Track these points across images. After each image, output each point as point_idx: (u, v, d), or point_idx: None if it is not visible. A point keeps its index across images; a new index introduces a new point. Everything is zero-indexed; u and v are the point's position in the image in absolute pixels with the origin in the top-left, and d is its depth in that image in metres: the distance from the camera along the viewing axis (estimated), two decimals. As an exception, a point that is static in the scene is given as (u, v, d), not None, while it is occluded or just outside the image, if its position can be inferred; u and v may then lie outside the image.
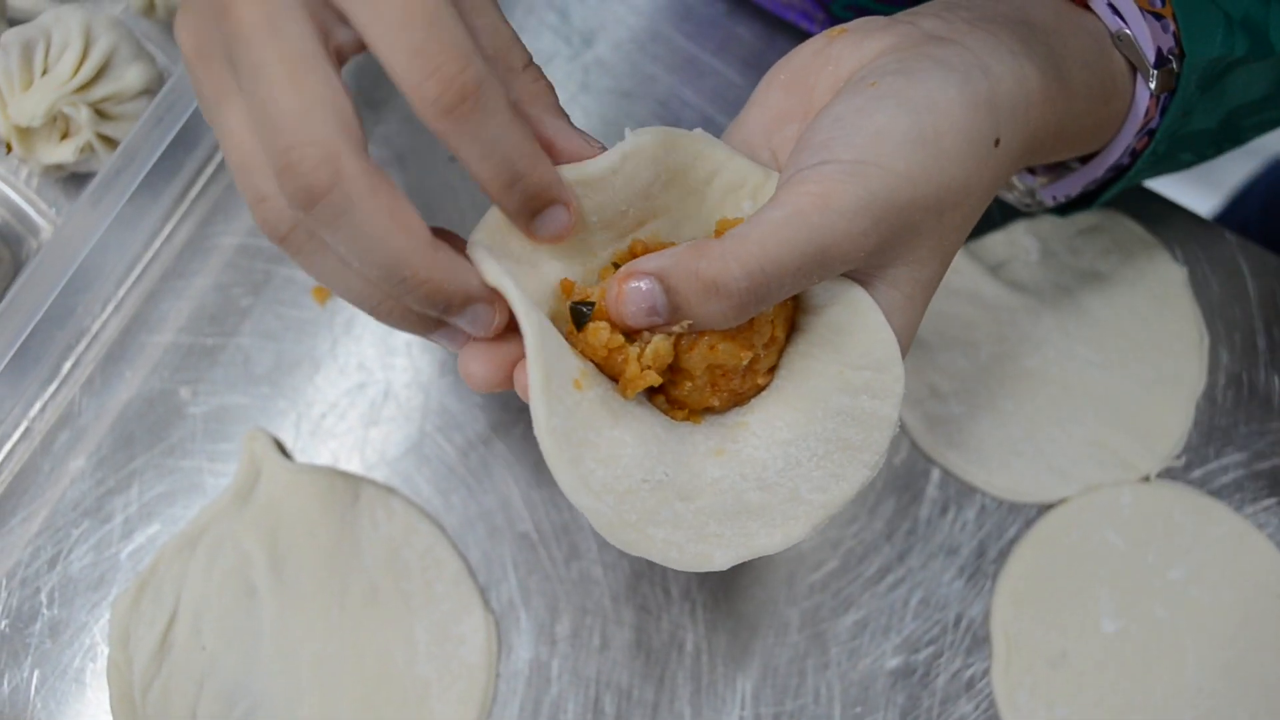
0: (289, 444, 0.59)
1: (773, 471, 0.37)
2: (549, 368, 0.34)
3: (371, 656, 0.56)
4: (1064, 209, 0.52)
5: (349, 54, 0.33)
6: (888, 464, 0.60)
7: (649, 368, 0.36)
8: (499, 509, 0.58)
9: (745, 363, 0.37)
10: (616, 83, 0.65)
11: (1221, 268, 0.63)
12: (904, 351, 0.38)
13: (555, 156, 0.37)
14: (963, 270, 0.62)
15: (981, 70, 0.38)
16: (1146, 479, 0.60)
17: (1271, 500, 0.60)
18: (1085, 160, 0.48)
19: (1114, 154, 0.46)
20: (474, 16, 0.36)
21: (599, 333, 0.36)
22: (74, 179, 0.62)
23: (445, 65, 0.31)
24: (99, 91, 0.58)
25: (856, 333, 0.37)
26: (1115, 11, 0.44)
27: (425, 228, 0.33)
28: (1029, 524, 0.59)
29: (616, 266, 0.38)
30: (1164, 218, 0.64)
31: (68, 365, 0.60)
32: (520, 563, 0.58)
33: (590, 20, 0.66)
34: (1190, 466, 0.60)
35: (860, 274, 0.37)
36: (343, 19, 0.32)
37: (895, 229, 0.36)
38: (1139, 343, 0.62)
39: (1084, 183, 0.49)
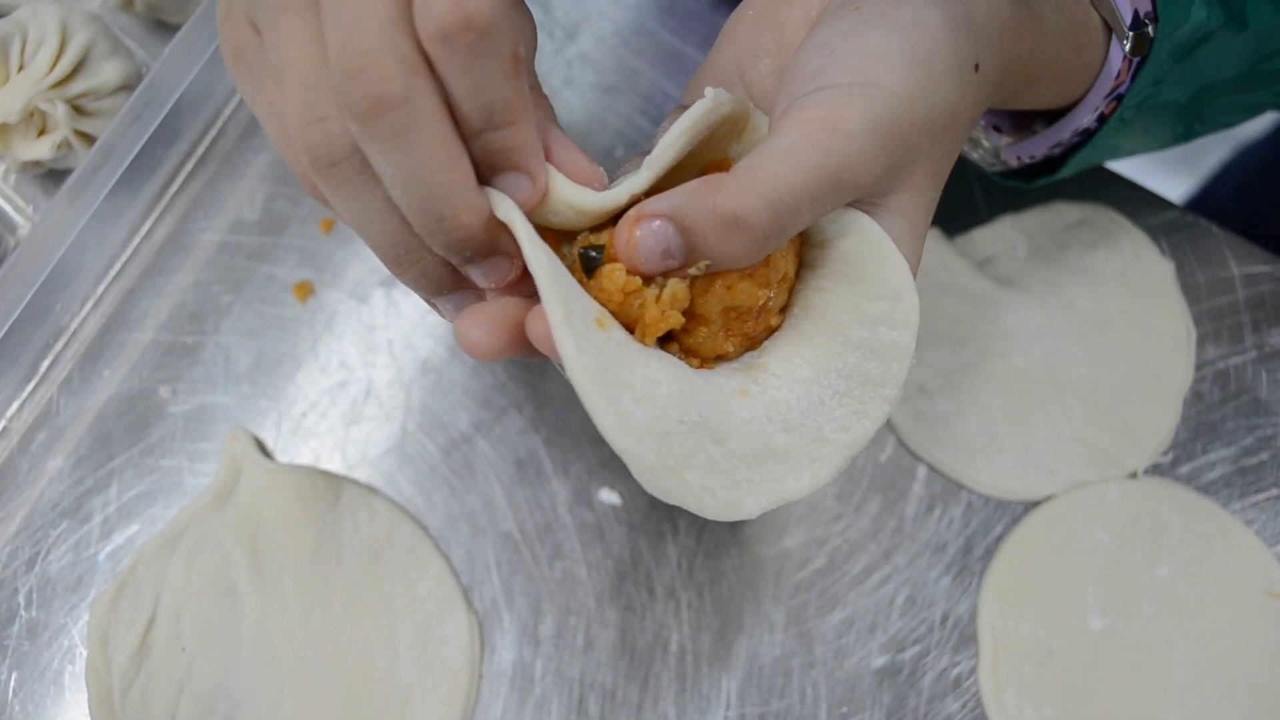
0: (270, 443, 0.59)
1: (797, 412, 0.36)
2: (568, 304, 0.32)
3: (353, 658, 0.56)
4: (1028, 174, 0.51)
5: None
6: (873, 461, 0.59)
7: (669, 310, 0.34)
8: (482, 508, 0.58)
9: (762, 302, 0.36)
10: (600, 77, 0.64)
11: (1208, 262, 0.63)
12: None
13: (550, 163, 0.35)
14: (950, 266, 0.61)
15: None
16: (1134, 475, 0.60)
17: (1259, 496, 0.59)
18: (1051, 122, 0.48)
19: (1082, 114, 0.46)
20: None
21: (615, 275, 0.34)
22: (51, 175, 0.61)
23: (369, 66, 0.29)
24: (76, 87, 0.57)
25: (870, 263, 0.36)
26: None
27: (472, 168, 0.32)
28: (1015, 521, 0.59)
29: (615, 219, 0.37)
30: (1150, 211, 0.64)
31: (46, 364, 0.59)
32: (503, 563, 0.57)
33: (573, 14, 0.65)
34: (1178, 462, 0.60)
35: (864, 204, 0.36)
36: None
37: (899, 151, 0.35)
38: (1126, 338, 0.61)
39: (1050, 144, 0.48)
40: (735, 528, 0.58)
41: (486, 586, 0.57)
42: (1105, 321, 0.62)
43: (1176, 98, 0.47)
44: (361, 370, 0.60)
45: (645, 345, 0.35)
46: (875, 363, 0.36)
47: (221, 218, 0.62)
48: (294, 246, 0.61)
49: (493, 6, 0.29)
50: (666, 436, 0.33)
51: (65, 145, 0.58)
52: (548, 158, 0.35)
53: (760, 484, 0.34)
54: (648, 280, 0.34)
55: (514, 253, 0.34)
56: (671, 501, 0.33)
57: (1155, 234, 0.63)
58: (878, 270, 0.36)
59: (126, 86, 0.59)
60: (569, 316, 0.31)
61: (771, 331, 0.38)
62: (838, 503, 0.59)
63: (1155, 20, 0.43)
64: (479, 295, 0.37)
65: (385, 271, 0.60)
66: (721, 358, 0.37)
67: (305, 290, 0.60)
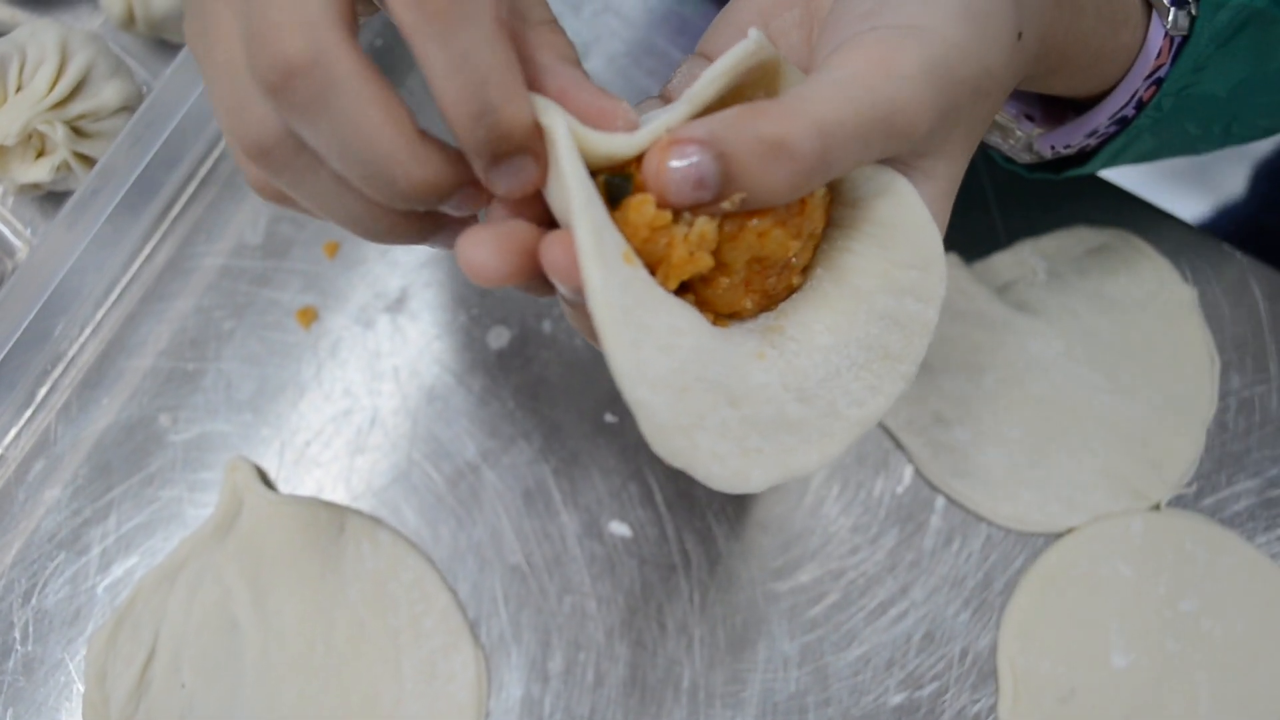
0: (272, 472, 0.57)
1: (813, 381, 0.33)
2: (600, 231, 0.29)
3: (357, 694, 0.54)
4: (1057, 166, 0.50)
5: None
6: (890, 493, 0.58)
7: (697, 250, 0.32)
8: (489, 540, 0.56)
9: (790, 255, 0.33)
10: (611, 98, 0.63)
11: (1232, 289, 0.62)
12: None
13: (568, 109, 0.33)
14: (968, 291, 0.60)
15: None
16: (1157, 507, 0.58)
17: (1285, 529, 0.58)
18: (1084, 113, 0.46)
19: (1120, 96, 0.44)
20: None
21: (644, 207, 0.31)
22: (50, 198, 0.60)
23: None
24: (75, 109, 0.56)
25: (904, 227, 0.34)
26: None
27: (410, 118, 0.30)
28: (1036, 554, 0.57)
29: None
30: (1172, 236, 0.62)
31: (43, 391, 0.58)
32: (511, 596, 0.56)
33: (584, 33, 0.64)
34: (1202, 494, 0.59)
35: (899, 165, 0.34)
36: None
37: (948, 105, 0.33)
38: (1148, 367, 0.60)
39: (1086, 130, 0.46)
40: (748, 559, 0.57)
41: (494, 621, 0.56)
42: (1127, 349, 0.60)
43: (1216, 90, 0.46)
44: (366, 398, 0.58)
45: (666, 289, 0.32)
46: (897, 336, 0.34)
47: (224, 241, 0.60)
48: (297, 271, 0.60)
49: None
50: (683, 392, 0.30)
51: (64, 167, 0.57)
52: (565, 102, 0.32)
53: (770, 455, 0.32)
54: (676, 216, 0.31)
55: (539, 153, 0.31)
56: (677, 464, 0.30)
57: (1177, 259, 0.62)
58: (912, 236, 0.34)
59: (127, 108, 0.58)
60: (600, 245, 0.29)
61: (791, 292, 0.35)
62: (854, 535, 0.57)
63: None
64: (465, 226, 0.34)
65: (391, 296, 0.59)
66: (736, 315, 0.35)
67: (309, 316, 0.59)
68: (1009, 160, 0.51)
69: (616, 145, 0.32)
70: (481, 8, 0.28)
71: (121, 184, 0.56)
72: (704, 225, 0.31)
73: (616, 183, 0.32)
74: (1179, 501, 0.59)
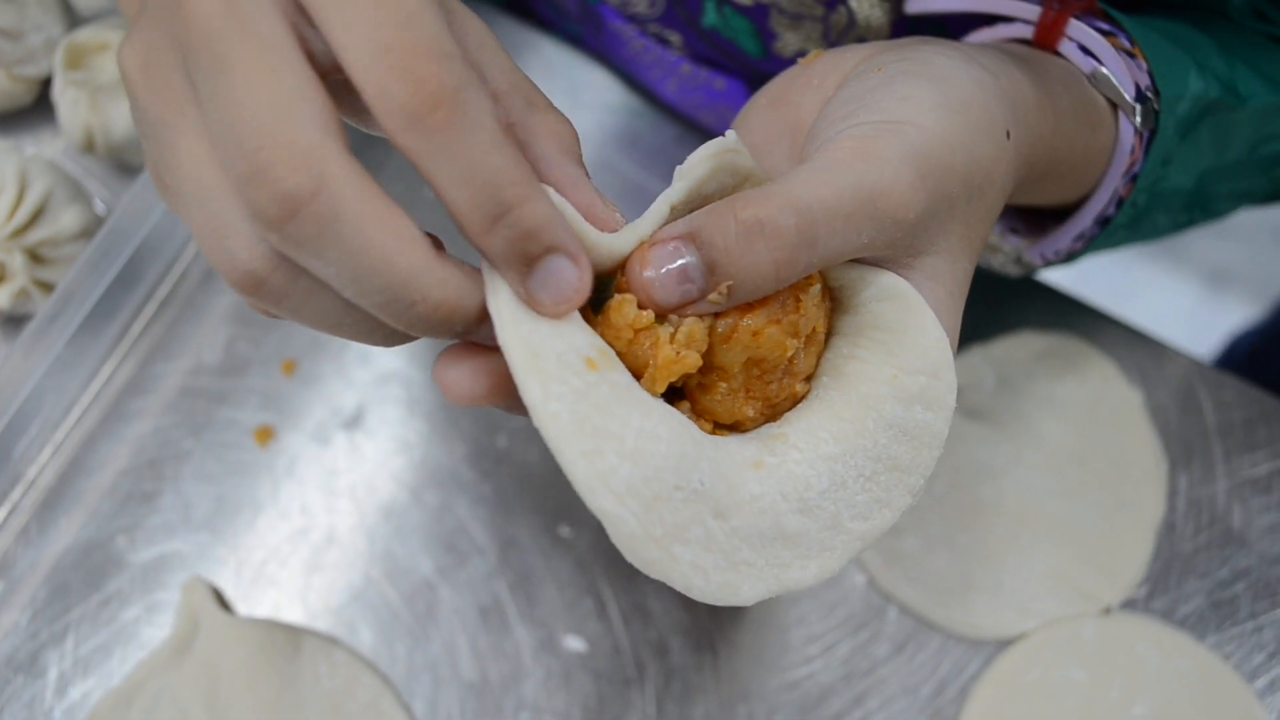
0: (229, 591, 0.58)
1: (815, 492, 0.32)
2: (532, 344, 0.28)
3: (313, 818, 0.54)
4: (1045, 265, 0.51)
5: (325, 68, 0.28)
6: (844, 601, 0.58)
7: (684, 350, 0.31)
8: (445, 657, 0.57)
9: (790, 354, 0.32)
10: (565, 211, 0.64)
11: (1178, 392, 0.63)
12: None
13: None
14: (916, 398, 0.61)
15: (980, 65, 0.36)
16: (1108, 611, 0.59)
17: (1235, 629, 0.59)
18: (1064, 218, 0.48)
19: (1103, 197, 0.45)
20: (480, 53, 0.32)
21: (624, 308, 0.30)
22: (11, 320, 0.61)
23: (418, 64, 0.26)
24: (34, 236, 0.57)
25: (909, 332, 0.33)
26: (1087, 53, 0.43)
27: (424, 236, 0.28)
28: (989, 660, 0.58)
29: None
30: (1117, 339, 0.64)
31: (3, 513, 0.58)
32: (468, 712, 0.56)
33: (538, 147, 0.65)
34: (1152, 596, 0.59)
35: (899, 267, 0.34)
36: (312, 21, 0.27)
37: (937, 195, 0.33)
38: (1097, 470, 0.61)
39: (1073, 234, 0.47)
40: (703, 672, 0.57)
41: (450, 739, 0.56)
42: (1075, 453, 0.61)
43: (1183, 182, 0.47)
44: (323, 516, 0.59)
45: (652, 395, 0.31)
46: (906, 446, 0.33)
47: (182, 361, 0.61)
48: (255, 389, 0.61)
49: (458, 72, 0.26)
50: (655, 502, 0.29)
51: (23, 293, 0.58)
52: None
53: (762, 569, 0.31)
54: (662, 318, 0.31)
55: (575, 254, 0.29)
56: (655, 576, 0.30)
57: (1123, 361, 0.63)
58: (918, 341, 0.33)
59: (86, 233, 0.59)
60: (535, 357, 0.28)
61: (795, 401, 0.34)
62: (808, 645, 0.58)
63: (1156, 93, 0.43)
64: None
65: (348, 414, 0.60)
66: (737, 426, 0.34)
67: (266, 434, 0.60)
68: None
69: (621, 242, 0.31)
70: (482, 115, 0.27)
71: (80, 309, 0.56)
72: (692, 324, 0.31)
73: (597, 286, 0.31)
74: (1130, 604, 0.59)
